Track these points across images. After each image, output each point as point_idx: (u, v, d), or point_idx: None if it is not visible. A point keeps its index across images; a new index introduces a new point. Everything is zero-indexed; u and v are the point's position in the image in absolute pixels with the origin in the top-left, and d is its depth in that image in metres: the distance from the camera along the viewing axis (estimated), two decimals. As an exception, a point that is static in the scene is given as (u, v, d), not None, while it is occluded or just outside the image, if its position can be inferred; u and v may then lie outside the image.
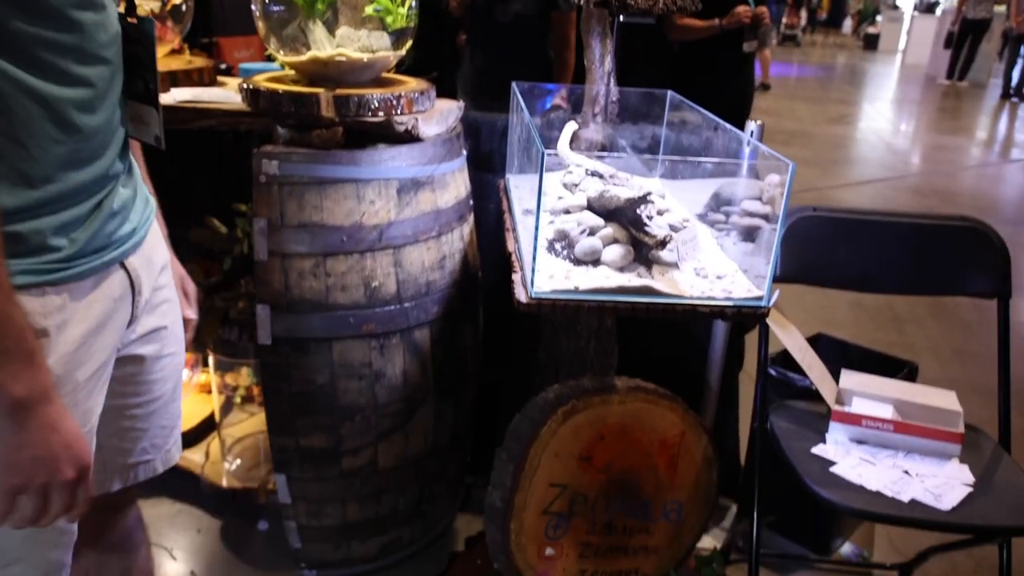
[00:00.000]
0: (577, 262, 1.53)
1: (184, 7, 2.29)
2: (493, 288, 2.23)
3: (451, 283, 2.06)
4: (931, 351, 3.85)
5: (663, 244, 1.47)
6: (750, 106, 4.19)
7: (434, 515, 2.37)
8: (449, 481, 2.35)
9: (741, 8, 3.64)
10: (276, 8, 1.91)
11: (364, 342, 1.95)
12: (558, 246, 1.57)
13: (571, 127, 1.90)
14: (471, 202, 2.19)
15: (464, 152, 2.14)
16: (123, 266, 1.24)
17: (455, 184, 2.06)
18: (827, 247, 2.00)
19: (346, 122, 1.85)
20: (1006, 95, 12.52)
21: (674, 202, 1.78)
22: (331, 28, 1.91)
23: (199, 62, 2.43)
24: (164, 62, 2.29)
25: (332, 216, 1.85)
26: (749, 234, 1.60)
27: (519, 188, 1.91)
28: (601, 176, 1.67)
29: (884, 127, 10.06)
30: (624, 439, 1.76)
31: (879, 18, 19.76)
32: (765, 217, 1.58)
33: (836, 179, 6.97)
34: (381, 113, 1.87)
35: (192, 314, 1.59)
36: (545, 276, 1.46)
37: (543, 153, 1.35)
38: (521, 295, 1.45)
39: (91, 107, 1.10)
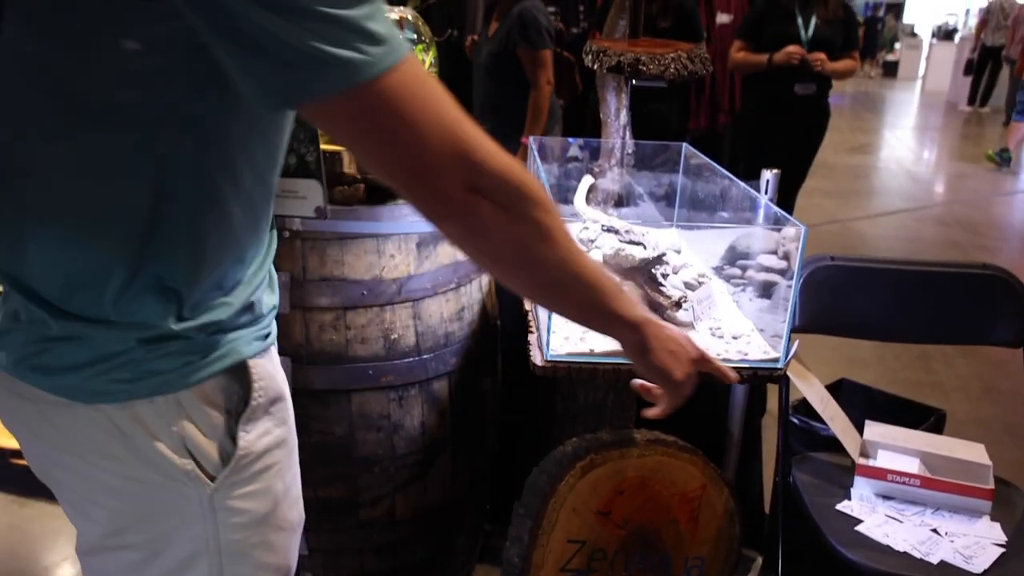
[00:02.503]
0: (594, 321, 1.52)
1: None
2: (512, 335, 2.23)
3: (469, 333, 2.06)
4: (960, 390, 3.78)
5: (678, 305, 1.47)
6: (820, 139, 4.21)
7: (452, 565, 2.35)
8: (467, 530, 2.33)
9: (792, 47, 3.63)
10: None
11: (383, 394, 1.96)
12: (575, 304, 1.56)
13: (587, 181, 1.91)
14: (489, 252, 2.19)
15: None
16: None
17: (473, 235, 2.06)
18: (846, 296, 1.97)
19: (367, 179, 1.87)
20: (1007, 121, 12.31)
21: (690, 255, 1.77)
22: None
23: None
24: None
25: (353, 270, 1.87)
26: (765, 290, 1.60)
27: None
28: (616, 231, 1.67)
29: (906, 155, 10.00)
30: (643, 493, 1.75)
31: (897, 45, 19.56)
32: (781, 272, 1.57)
33: (858, 210, 6.92)
34: (400, 169, 1.89)
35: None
36: (561, 338, 1.46)
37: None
38: (537, 358, 1.45)
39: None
